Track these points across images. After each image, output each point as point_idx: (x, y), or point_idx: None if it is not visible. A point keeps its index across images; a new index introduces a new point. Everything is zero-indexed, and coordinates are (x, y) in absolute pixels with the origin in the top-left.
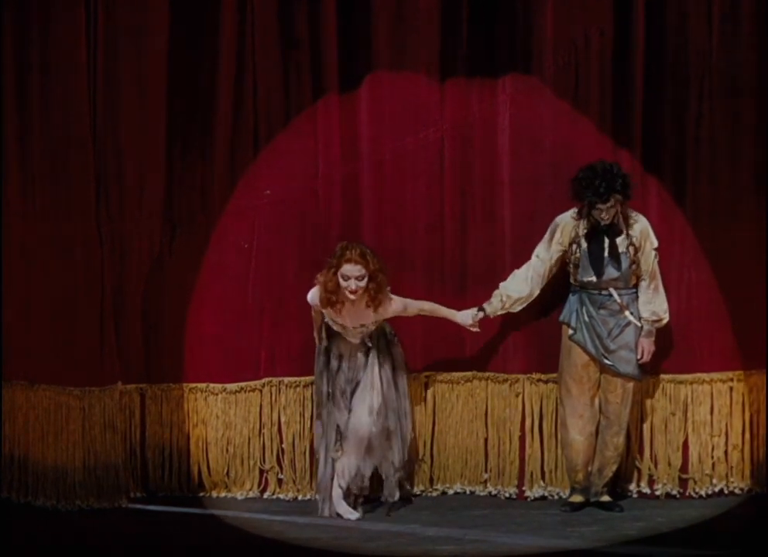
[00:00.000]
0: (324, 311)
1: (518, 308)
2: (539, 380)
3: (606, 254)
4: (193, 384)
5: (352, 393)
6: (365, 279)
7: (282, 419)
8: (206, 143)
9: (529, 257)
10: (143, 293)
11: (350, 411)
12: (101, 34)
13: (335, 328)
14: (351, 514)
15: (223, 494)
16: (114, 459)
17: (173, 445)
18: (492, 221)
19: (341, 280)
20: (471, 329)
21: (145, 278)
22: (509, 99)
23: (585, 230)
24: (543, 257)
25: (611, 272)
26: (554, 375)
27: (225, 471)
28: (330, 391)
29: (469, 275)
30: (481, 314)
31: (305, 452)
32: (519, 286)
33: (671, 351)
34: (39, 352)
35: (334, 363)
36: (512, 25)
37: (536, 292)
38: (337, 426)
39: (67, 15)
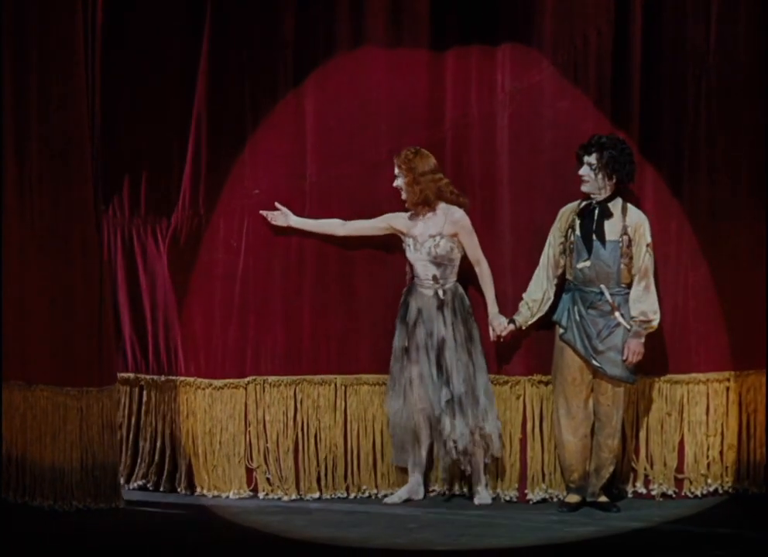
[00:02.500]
0: (402, 229)
1: (546, 308)
2: (539, 381)
3: (594, 228)
4: (183, 378)
5: (437, 347)
6: (402, 178)
7: (267, 418)
8: (199, 143)
9: (528, 257)
10: (142, 287)
11: (439, 367)
12: (99, 34)
13: (408, 250)
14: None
15: (213, 491)
16: (112, 460)
17: (165, 436)
18: (492, 221)
19: None
20: (492, 333)
21: (138, 274)
22: (508, 98)
23: (580, 209)
24: (547, 250)
25: (602, 255)
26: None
27: (213, 465)
28: (407, 345)
29: (469, 276)
30: (511, 326)
31: (288, 451)
32: (537, 285)
33: (667, 351)
34: (37, 352)
35: (411, 315)
36: (512, 24)
37: (554, 287)
38: (410, 380)
39: (66, 15)
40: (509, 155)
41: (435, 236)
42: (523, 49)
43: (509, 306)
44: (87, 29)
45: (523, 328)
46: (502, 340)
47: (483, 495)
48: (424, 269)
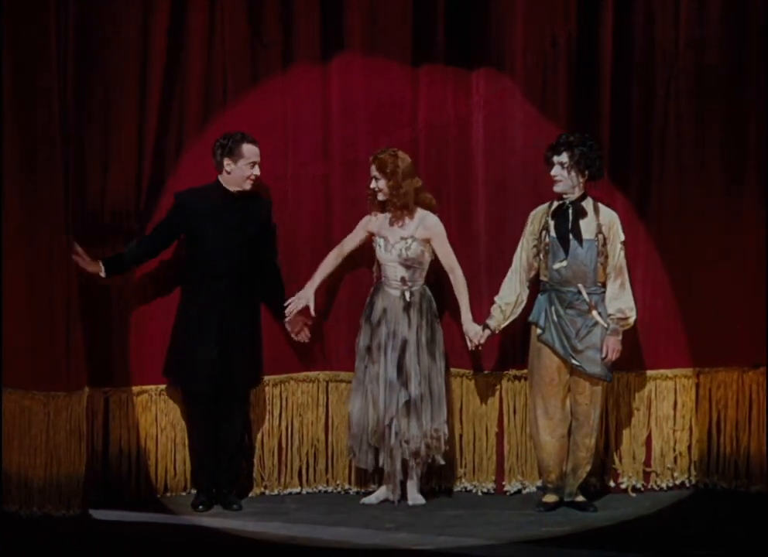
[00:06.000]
0: (373, 230)
1: (519, 311)
2: (515, 376)
3: (570, 228)
4: (163, 386)
5: (400, 348)
6: (383, 181)
7: (252, 417)
8: (176, 143)
9: (502, 257)
10: (109, 295)
11: (399, 368)
12: (72, 33)
13: (378, 250)
14: (419, 500)
15: (186, 494)
16: (78, 466)
17: (140, 447)
18: (467, 221)
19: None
20: (470, 343)
21: (111, 280)
22: (483, 100)
23: (552, 209)
24: (520, 253)
25: (579, 255)
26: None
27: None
28: (369, 344)
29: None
30: (487, 332)
31: (273, 451)
32: (511, 289)
33: (636, 347)
34: (5, 355)
35: (376, 315)
36: (484, 26)
37: (527, 290)
38: (371, 380)
39: (38, 13)
40: (485, 156)
41: (407, 238)
42: (495, 54)
43: (484, 305)
44: (60, 27)
45: (497, 332)
46: (480, 348)
47: (416, 496)
48: (393, 270)
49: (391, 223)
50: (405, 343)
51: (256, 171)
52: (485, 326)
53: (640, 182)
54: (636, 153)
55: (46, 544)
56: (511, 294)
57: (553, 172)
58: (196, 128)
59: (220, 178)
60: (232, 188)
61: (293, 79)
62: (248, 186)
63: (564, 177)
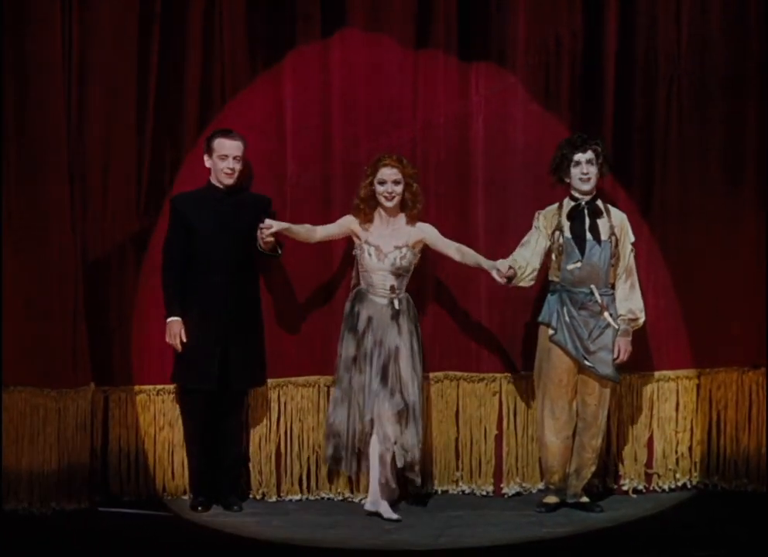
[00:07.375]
0: (359, 234)
1: (527, 283)
2: (514, 379)
3: (587, 229)
4: (161, 386)
5: (386, 357)
6: (401, 185)
7: (250, 421)
8: (175, 143)
9: (502, 257)
10: (111, 294)
11: (384, 377)
12: (76, 34)
13: (368, 259)
14: (391, 514)
15: (187, 497)
16: (85, 460)
17: (138, 447)
18: (467, 221)
19: (378, 187)
20: (499, 275)
21: (112, 279)
22: (483, 99)
23: (568, 210)
24: (537, 238)
25: (594, 254)
26: (528, 372)
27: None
28: (356, 354)
29: (443, 276)
30: (512, 271)
31: (270, 457)
32: (533, 262)
33: (639, 348)
34: (13, 353)
35: (361, 325)
36: (486, 24)
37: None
38: (357, 390)
39: (42, 15)
40: (484, 156)
41: (401, 247)
42: (496, 52)
43: (482, 306)
44: (65, 30)
45: (509, 284)
46: (506, 282)
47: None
48: (382, 279)
49: (368, 227)
50: (396, 351)
51: (228, 164)
52: (510, 267)
53: (642, 182)
54: (638, 153)
55: (46, 542)
56: (535, 261)
57: (584, 170)
58: (195, 128)
59: (210, 176)
60: (218, 184)
61: (293, 75)
62: (226, 180)
63: (594, 174)
